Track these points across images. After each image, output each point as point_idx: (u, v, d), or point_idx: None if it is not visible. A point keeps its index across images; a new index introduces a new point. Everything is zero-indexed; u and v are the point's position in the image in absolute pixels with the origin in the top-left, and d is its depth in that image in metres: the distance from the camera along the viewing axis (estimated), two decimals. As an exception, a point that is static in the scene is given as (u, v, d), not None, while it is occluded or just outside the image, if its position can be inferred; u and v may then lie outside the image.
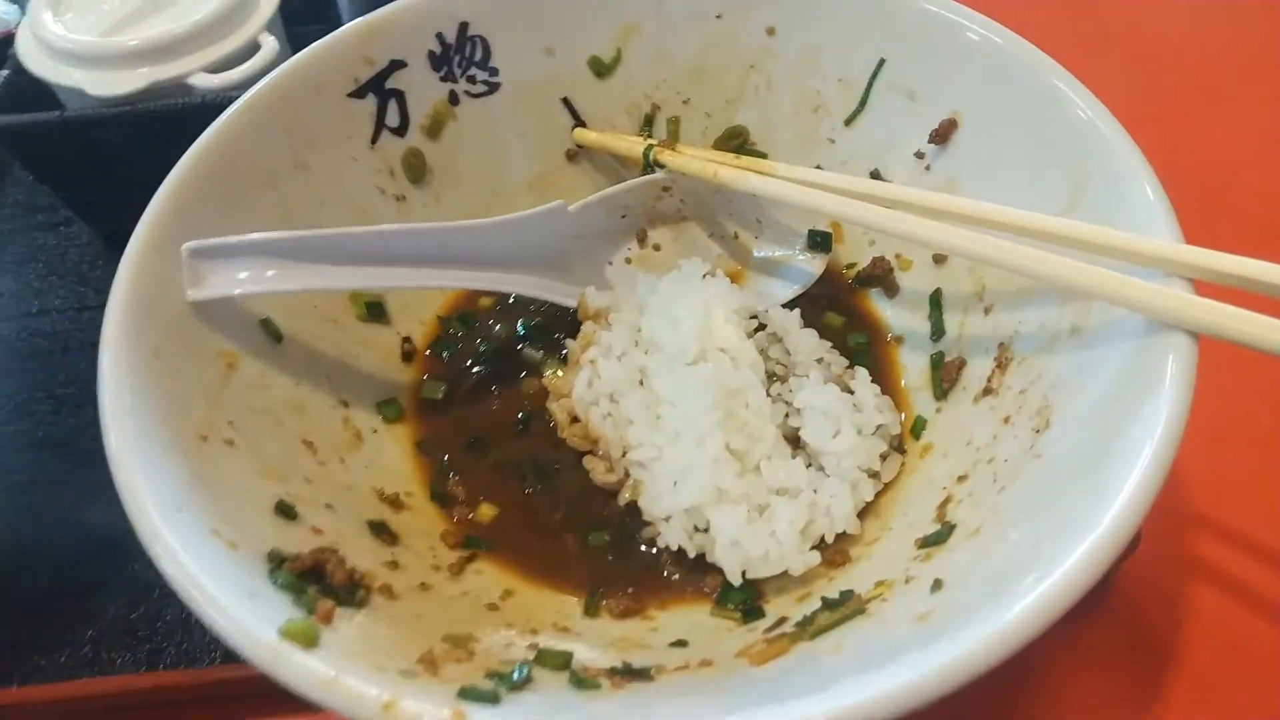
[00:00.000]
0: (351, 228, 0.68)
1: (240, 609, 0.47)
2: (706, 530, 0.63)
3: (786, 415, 0.68)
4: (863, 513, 0.65)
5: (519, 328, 0.80)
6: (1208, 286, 0.53)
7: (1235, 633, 0.67)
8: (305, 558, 0.55)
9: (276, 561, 0.54)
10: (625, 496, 0.67)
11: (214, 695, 0.68)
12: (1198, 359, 0.51)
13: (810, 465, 0.66)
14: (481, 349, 0.79)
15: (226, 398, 0.63)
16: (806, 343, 0.72)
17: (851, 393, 0.69)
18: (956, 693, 0.42)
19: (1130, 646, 0.67)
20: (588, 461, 0.69)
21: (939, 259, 0.74)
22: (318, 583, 0.54)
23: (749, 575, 0.62)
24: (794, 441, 0.68)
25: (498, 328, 0.80)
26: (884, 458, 0.67)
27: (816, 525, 0.63)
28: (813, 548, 0.62)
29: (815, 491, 0.64)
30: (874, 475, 0.66)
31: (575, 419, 0.71)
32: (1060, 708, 0.65)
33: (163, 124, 0.87)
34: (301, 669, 0.45)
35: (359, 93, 0.76)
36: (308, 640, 0.46)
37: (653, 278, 0.77)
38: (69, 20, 0.93)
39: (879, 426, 0.67)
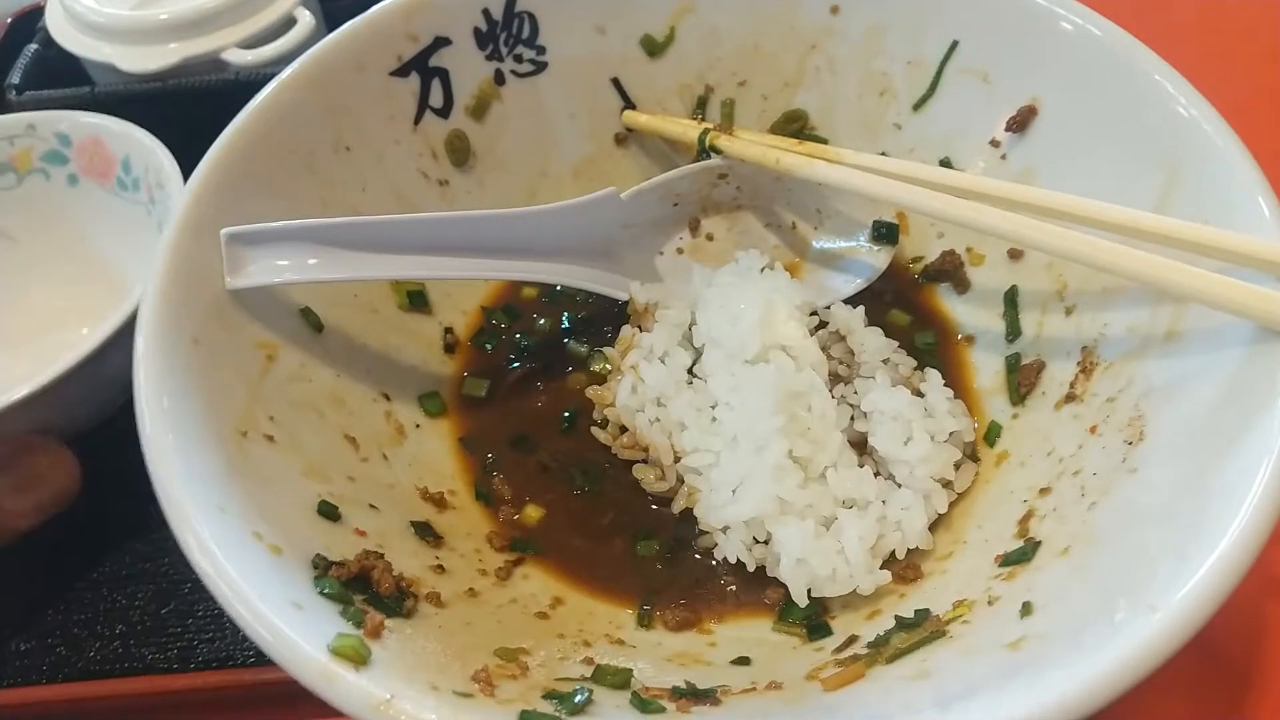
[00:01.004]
0: (396, 215, 0.65)
1: (288, 625, 0.44)
2: (767, 542, 0.60)
3: (851, 419, 0.64)
4: (935, 525, 0.61)
5: (564, 320, 0.76)
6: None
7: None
8: (351, 564, 0.52)
9: (322, 568, 0.51)
10: (680, 504, 0.64)
11: (248, 697, 0.66)
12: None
13: (878, 474, 0.62)
14: (525, 343, 0.75)
15: (267, 390, 0.60)
16: (872, 342, 0.68)
17: (922, 396, 0.65)
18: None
19: (1212, 670, 0.63)
20: (638, 470, 0.66)
21: (1015, 254, 0.70)
22: (364, 592, 0.51)
23: (814, 594, 0.58)
24: (859, 447, 0.64)
25: (542, 320, 0.76)
26: (957, 466, 0.63)
27: (887, 540, 0.59)
28: (883, 564, 0.59)
29: (885, 503, 0.60)
30: (947, 485, 0.62)
31: (623, 428, 0.67)
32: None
33: (196, 101, 0.84)
34: (355, 691, 0.42)
35: (402, 71, 0.73)
36: (358, 658, 0.43)
37: (708, 270, 0.74)
38: (100, -8, 0.89)
39: (952, 433, 0.63)
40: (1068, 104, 0.66)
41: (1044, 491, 0.57)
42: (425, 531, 0.61)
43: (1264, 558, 0.66)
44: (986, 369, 0.69)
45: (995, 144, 0.71)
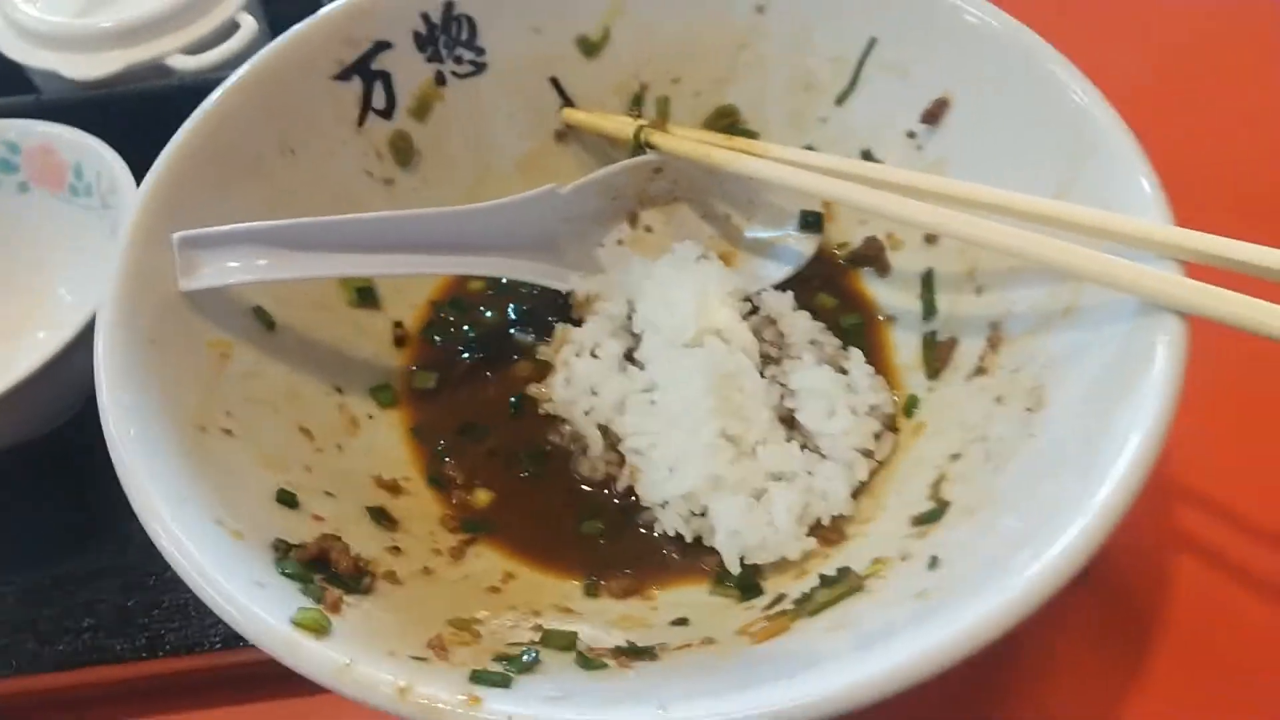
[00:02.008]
0: (342, 215, 0.67)
1: (252, 601, 0.47)
2: (703, 514, 0.64)
3: (782, 397, 0.69)
4: (857, 492, 0.66)
5: (510, 312, 0.80)
6: (1199, 269, 0.54)
7: (1222, 601, 0.68)
8: (310, 546, 0.55)
9: (282, 550, 0.54)
10: (623, 483, 0.68)
11: (215, 680, 0.69)
12: (1188, 340, 0.52)
13: (805, 447, 0.67)
14: (472, 334, 0.79)
15: (222, 387, 0.63)
16: (801, 324, 0.72)
17: (845, 373, 0.70)
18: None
19: (1118, 615, 0.69)
20: (574, 462, 0.70)
21: (930, 238, 0.74)
22: (323, 571, 0.55)
23: (747, 561, 0.63)
24: (789, 423, 0.68)
25: (489, 312, 0.80)
26: (878, 437, 0.68)
27: (813, 509, 0.64)
28: (809, 531, 0.63)
29: (810, 474, 0.65)
30: (868, 455, 0.67)
31: (564, 421, 0.71)
32: (1046, 680, 0.66)
33: (142, 107, 0.86)
34: (317, 657, 0.45)
35: (344, 75, 0.76)
36: (319, 629, 0.47)
37: (647, 261, 0.77)
38: (41, 1, 0.90)
39: (873, 406, 0.68)
40: (975, 96, 0.71)
41: (955, 458, 0.62)
42: (381, 516, 0.64)
43: (1163, 511, 0.73)
44: (906, 346, 0.74)
45: (911, 135, 0.75)
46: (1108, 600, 0.69)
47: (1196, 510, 0.72)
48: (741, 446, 0.65)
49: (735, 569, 0.62)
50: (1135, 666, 0.67)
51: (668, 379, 0.68)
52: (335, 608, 0.50)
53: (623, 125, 0.81)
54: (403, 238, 0.69)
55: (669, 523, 0.65)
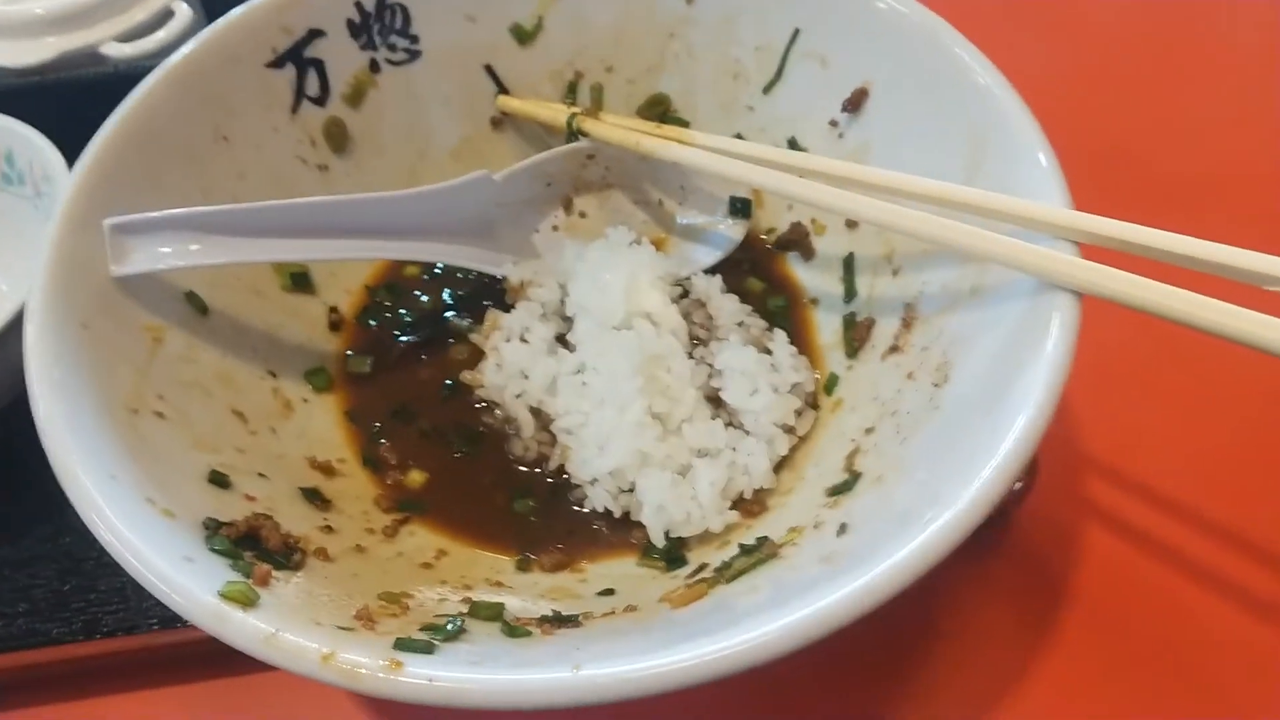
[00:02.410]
0: (274, 201, 0.68)
1: (179, 574, 0.48)
2: (631, 490, 0.66)
3: (710, 377, 0.71)
4: (779, 466, 0.69)
5: (446, 297, 0.81)
6: (1095, 250, 0.57)
7: (1124, 565, 0.73)
8: (240, 524, 0.56)
9: (212, 528, 0.55)
10: (555, 461, 0.70)
11: (153, 660, 0.70)
12: (1081, 315, 0.55)
13: (730, 424, 0.69)
14: (408, 319, 0.80)
15: (155, 370, 0.63)
16: (727, 307, 0.75)
17: (770, 353, 0.72)
18: (865, 626, 0.46)
19: (1028, 580, 0.72)
20: (508, 444, 0.72)
21: (851, 224, 0.77)
22: (254, 548, 0.56)
23: (672, 534, 0.65)
24: (716, 402, 0.71)
25: (425, 297, 0.81)
26: (799, 414, 0.70)
27: (735, 483, 0.66)
28: (732, 505, 0.66)
29: (734, 450, 0.67)
30: (789, 430, 0.69)
31: (495, 405, 0.73)
32: (964, 639, 0.70)
33: (76, 95, 0.86)
34: (243, 627, 0.47)
35: (277, 63, 0.76)
36: (246, 601, 0.48)
37: (580, 245, 0.79)
38: (-30, -15, 0.90)
39: (795, 384, 0.71)
40: (891, 84, 0.73)
41: (869, 431, 0.65)
42: (314, 497, 0.66)
43: (1074, 481, 0.76)
44: (828, 327, 0.76)
45: (834, 124, 0.78)
46: (1022, 562, 0.73)
47: (1101, 477, 0.76)
48: (668, 424, 0.67)
49: (660, 543, 0.65)
50: (1047, 623, 0.71)
51: (598, 360, 0.70)
52: (264, 581, 0.51)
53: (556, 113, 0.82)
54: (337, 222, 0.71)
55: (598, 499, 0.67)
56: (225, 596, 0.48)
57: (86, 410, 0.55)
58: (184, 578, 0.48)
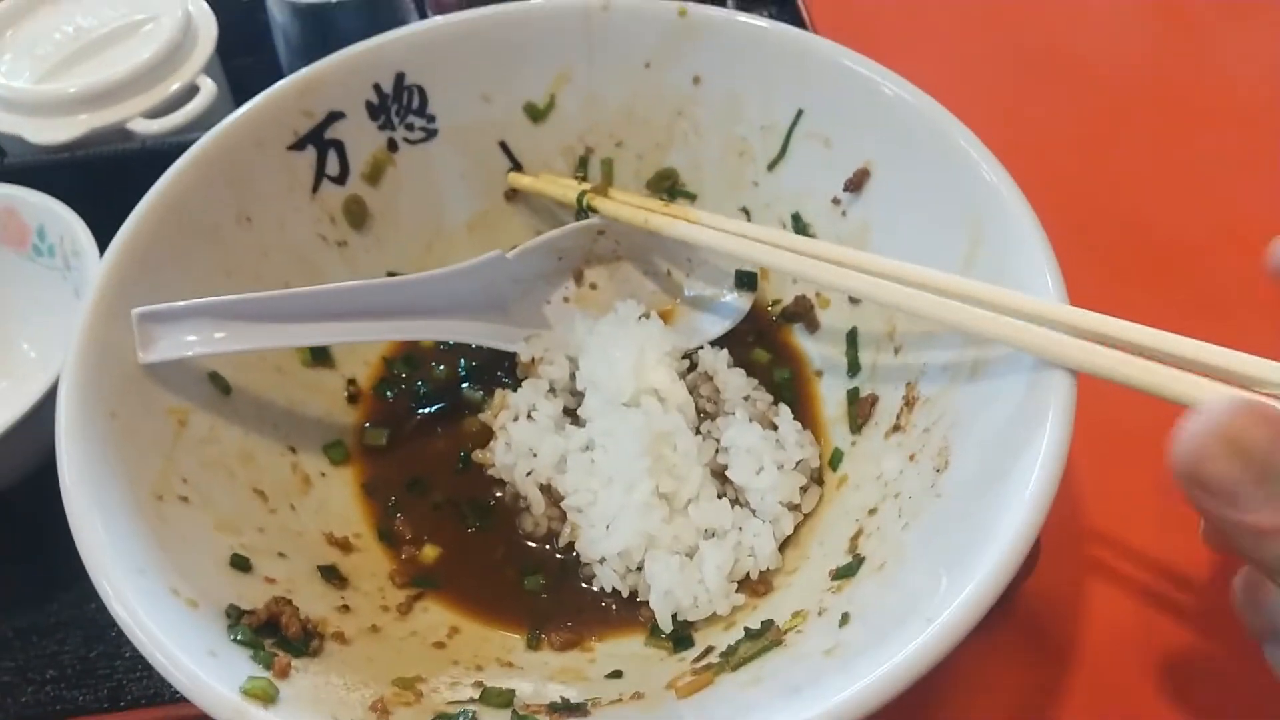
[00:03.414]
0: (296, 289, 0.71)
1: (203, 670, 0.50)
2: (639, 569, 0.68)
3: (716, 452, 0.73)
4: (784, 543, 0.70)
5: (460, 368, 0.83)
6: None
7: (1128, 631, 0.73)
8: (261, 612, 0.58)
9: (234, 617, 0.57)
10: (565, 538, 0.72)
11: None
12: (1077, 395, 0.56)
13: (736, 502, 0.71)
14: (424, 390, 0.82)
15: (179, 454, 0.66)
16: (734, 381, 0.77)
17: (775, 428, 0.74)
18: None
19: (1035, 653, 0.73)
20: (519, 519, 0.74)
21: (854, 300, 0.79)
22: (274, 635, 0.58)
23: (679, 619, 0.66)
24: (722, 477, 0.73)
25: (440, 368, 0.83)
26: (804, 490, 0.72)
27: (741, 565, 0.68)
28: (739, 585, 0.67)
29: (740, 529, 0.69)
30: (794, 508, 0.71)
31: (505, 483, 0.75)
32: (972, 712, 0.71)
33: (104, 170, 0.89)
34: (263, 725, 0.49)
35: (299, 145, 0.79)
36: (267, 697, 0.50)
37: (590, 319, 0.81)
38: (4, 66, 0.93)
39: (799, 461, 0.72)
40: (893, 166, 0.76)
41: (872, 512, 0.67)
42: (331, 575, 0.68)
43: (1077, 553, 0.77)
44: (832, 400, 0.78)
45: (836, 202, 0.80)
46: (1028, 637, 0.74)
47: (1104, 547, 0.77)
48: (674, 503, 0.69)
49: (668, 627, 0.66)
50: (1054, 695, 0.71)
51: (606, 437, 0.72)
52: (284, 673, 0.53)
53: (566, 190, 0.85)
54: (356, 306, 0.73)
55: (606, 579, 0.69)
56: (247, 694, 0.50)
57: (117, 502, 0.58)
58: (208, 674, 0.50)
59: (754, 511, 0.71)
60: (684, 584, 0.66)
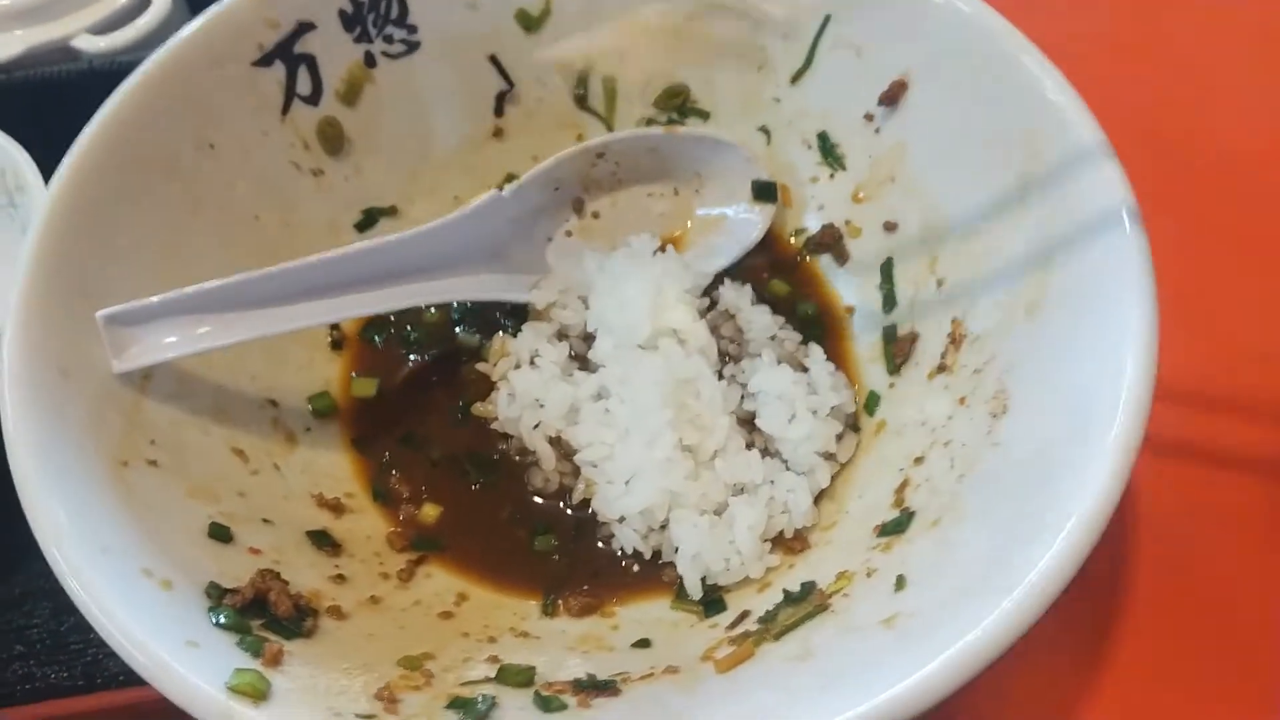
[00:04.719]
0: (283, 265, 0.62)
1: (183, 664, 0.44)
2: (663, 528, 0.62)
3: (742, 399, 0.67)
4: (818, 496, 0.64)
5: (453, 310, 0.76)
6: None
7: (1175, 616, 0.67)
8: (245, 589, 0.52)
9: (216, 597, 0.51)
10: (579, 495, 0.65)
11: (157, 710, 0.66)
12: (1159, 331, 0.50)
13: (766, 452, 0.65)
14: (414, 335, 0.75)
15: (144, 412, 0.59)
16: (759, 320, 0.70)
17: (805, 370, 0.67)
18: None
19: (1080, 611, 0.68)
20: (528, 474, 0.67)
21: (889, 226, 0.72)
22: (262, 615, 0.52)
23: (708, 583, 0.61)
24: (749, 425, 0.66)
25: (431, 310, 0.76)
26: (839, 438, 0.66)
27: (775, 522, 0.62)
28: (771, 547, 0.62)
29: (772, 483, 0.63)
30: (830, 458, 0.65)
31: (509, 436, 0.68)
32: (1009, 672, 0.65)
33: (47, 94, 0.80)
34: (254, 729, 0.42)
35: (265, 60, 0.70)
36: (257, 694, 0.44)
37: (600, 255, 0.74)
38: (-72, -25, 0.83)
39: (834, 407, 0.66)
40: (934, 79, 0.68)
41: (918, 461, 0.61)
42: (323, 540, 0.61)
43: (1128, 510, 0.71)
44: (865, 339, 0.71)
45: (869, 118, 0.72)
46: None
47: (1159, 512, 0.71)
48: (700, 457, 0.63)
49: (697, 594, 0.60)
50: (1095, 661, 0.66)
51: (622, 385, 0.65)
52: (275, 661, 0.47)
53: None
54: (349, 275, 0.65)
55: (627, 540, 0.63)
56: (235, 690, 0.44)
57: (73, 473, 0.51)
58: (188, 668, 0.44)
59: (787, 464, 0.64)
60: (714, 546, 0.60)
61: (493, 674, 0.53)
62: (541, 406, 0.66)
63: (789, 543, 0.62)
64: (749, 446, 0.65)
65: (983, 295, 0.63)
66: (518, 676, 0.52)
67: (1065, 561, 0.44)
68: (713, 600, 0.60)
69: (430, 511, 0.66)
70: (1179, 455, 0.73)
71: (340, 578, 0.59)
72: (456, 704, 0.49)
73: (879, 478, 0.63)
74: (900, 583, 0.52)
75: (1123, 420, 0.48)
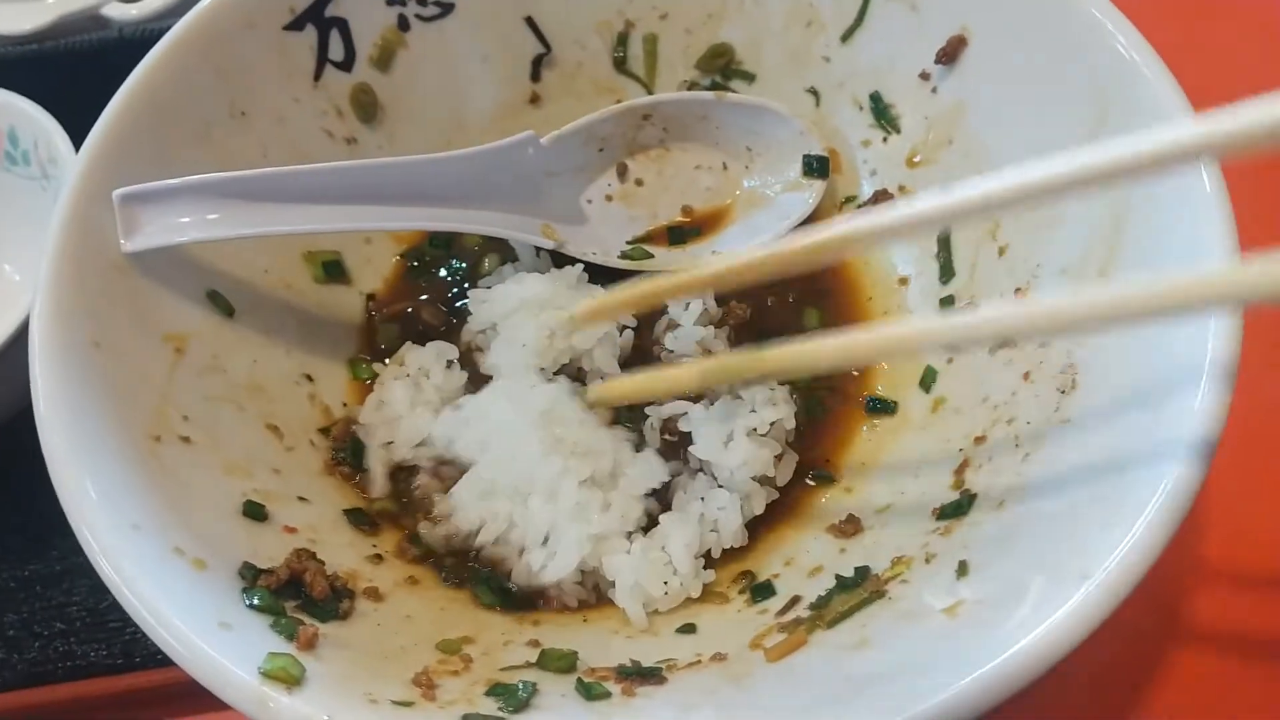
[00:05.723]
0: (302, 165, 0.60)
1: (215, 647, 0.42)
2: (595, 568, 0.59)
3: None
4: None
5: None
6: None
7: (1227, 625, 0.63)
8: (280, 570, 0.51)
9: (250, 578, 0.50)
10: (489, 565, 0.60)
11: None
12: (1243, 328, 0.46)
13: (701, 470, 0.62)
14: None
15: (178, 387, 0.57)
16: (691, 333, 0.66)
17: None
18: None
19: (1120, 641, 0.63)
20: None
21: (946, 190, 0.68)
22: (296, 597, 0.50)
23: (648, 609, 0.57)
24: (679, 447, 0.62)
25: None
26: (779, 458, 0.62)
27: (704, 540, 0.59)
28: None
29: (703, 499, 0.60)
30: (768, 482, 0.61)
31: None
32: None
33: (78, 63, 0.78)
34: (290, 716, 0.41)
35: (296, 24, 0.68)
36: (291, 679, 0.43)
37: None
38: (-42, -56, 0.82)
39: (773, 424, 0.61)
40: (996, 34, 0.64)
41: (979, 440, 0.57)
42: (360, 519, 0.60)
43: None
44: (922, 311, 0.68)
45: (925, 76, 0.68)
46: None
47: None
48: (602, 483, 0.59)
49: (641, 622, 0.57)
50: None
51: (486, 452, 0.61)
52: (310, 644, 0.46)
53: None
54: (368, 188, 0.63)
55: (569, 598, 0.59)
56: (268, 675, 0.42)
57: (105, 448, 0.49)
58: (221, 651, 0.42)
59: (718, 481, 0.61)
60: (650, 571, 0.57)
61: (533, 658, 0.51)
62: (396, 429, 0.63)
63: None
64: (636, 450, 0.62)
65: (1049, 263, 0.60)
66: (559, 662, 0.51)
67: (1148, 546, 0.41)
68: (761, 584, 0.58)
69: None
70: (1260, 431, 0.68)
71: (378, 557, 0.58)
72: (496, 690, 0.47)
73: (936, 457, 0.60)
74: (963, 569, 0.49)
75: (1207, 391, 0.44)
